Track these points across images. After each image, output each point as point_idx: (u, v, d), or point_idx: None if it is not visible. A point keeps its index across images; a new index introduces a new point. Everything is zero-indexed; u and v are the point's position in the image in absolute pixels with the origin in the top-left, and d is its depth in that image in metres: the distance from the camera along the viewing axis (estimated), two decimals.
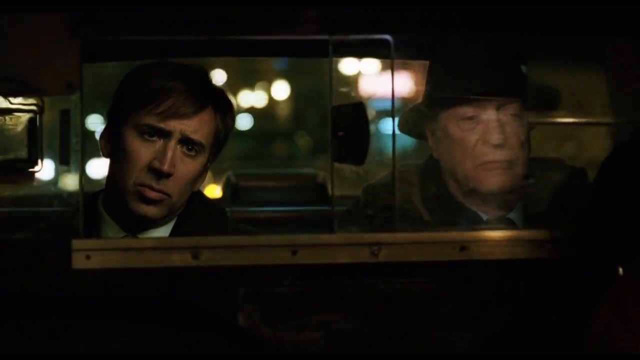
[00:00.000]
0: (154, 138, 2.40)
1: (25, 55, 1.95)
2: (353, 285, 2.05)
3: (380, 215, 2.43)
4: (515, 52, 2.45)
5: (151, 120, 2.39)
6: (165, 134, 2.40)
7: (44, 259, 1.95)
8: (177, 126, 2.40)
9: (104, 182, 2.51)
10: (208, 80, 2.48)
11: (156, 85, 2.40)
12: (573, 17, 2.13)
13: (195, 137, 2.42)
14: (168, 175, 2.39)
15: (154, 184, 2.39)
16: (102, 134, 2.48)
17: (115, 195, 2.44)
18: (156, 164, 2.38)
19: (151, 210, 2.41)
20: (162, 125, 2.39)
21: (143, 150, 2.40)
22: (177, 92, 2.40)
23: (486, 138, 2.47)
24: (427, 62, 2.59)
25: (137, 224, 2.45)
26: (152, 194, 2.40)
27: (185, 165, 2.42)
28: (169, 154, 2.39)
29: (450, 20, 2.11)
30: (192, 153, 2.43)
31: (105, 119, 2.50)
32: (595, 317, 1.82)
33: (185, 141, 2.41)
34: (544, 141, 2.59)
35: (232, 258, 2.00)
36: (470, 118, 2.49)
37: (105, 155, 2.48)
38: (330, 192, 2.46)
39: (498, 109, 2.48)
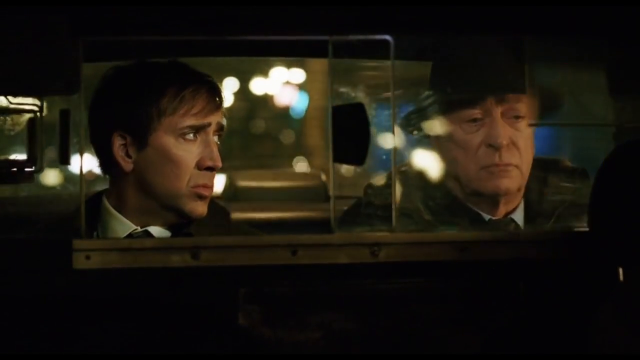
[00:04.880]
0: (194, 137, 2.42)
1: (25, 55, 1.95)
2: (353, 285, 2.05)
3: (381, 215, 2.43)
4: (517, 53, 2.44)
5: (191, 122, 2.41)
6: (204, 130, 2.43)
7: (44, 259, 1.95)
8: (213, 119, 2.44)
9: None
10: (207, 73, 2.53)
11: (182, 87, 2.41)
12: (574, 17, 2.13)
13: (223, 122, 2.47)
14: (218, 169, 2.44)
15: (208, 181, 2.43)
16: (119, 152, 2.42)
17: (154, 203, 2.43)
18: (209, 162, 2.41)
19: (205, 207, 2.44)
20: (202, 121, 2.42)
21: (189, 151, 2.41)
22: (205, 87, 2.43)
23: (490, 141, 2.47)
24: (429, 64, 2.59)
25: (182, 224, 2.45)
26: (208, 191, 2.43)
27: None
28: (215, 149, 2.43)
29: (450, 21, 2.11)
30: (219, 140, 2.48)
31: (115, 138, 2.42)
32: (597, 321, 1.82)
33: (218, 130, 2.46)
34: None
35: (232, 258, 2.01)
36: (473, 120, 2.49)
37: (129, 171, 2.42)
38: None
39: (501, 111, 2.48)
